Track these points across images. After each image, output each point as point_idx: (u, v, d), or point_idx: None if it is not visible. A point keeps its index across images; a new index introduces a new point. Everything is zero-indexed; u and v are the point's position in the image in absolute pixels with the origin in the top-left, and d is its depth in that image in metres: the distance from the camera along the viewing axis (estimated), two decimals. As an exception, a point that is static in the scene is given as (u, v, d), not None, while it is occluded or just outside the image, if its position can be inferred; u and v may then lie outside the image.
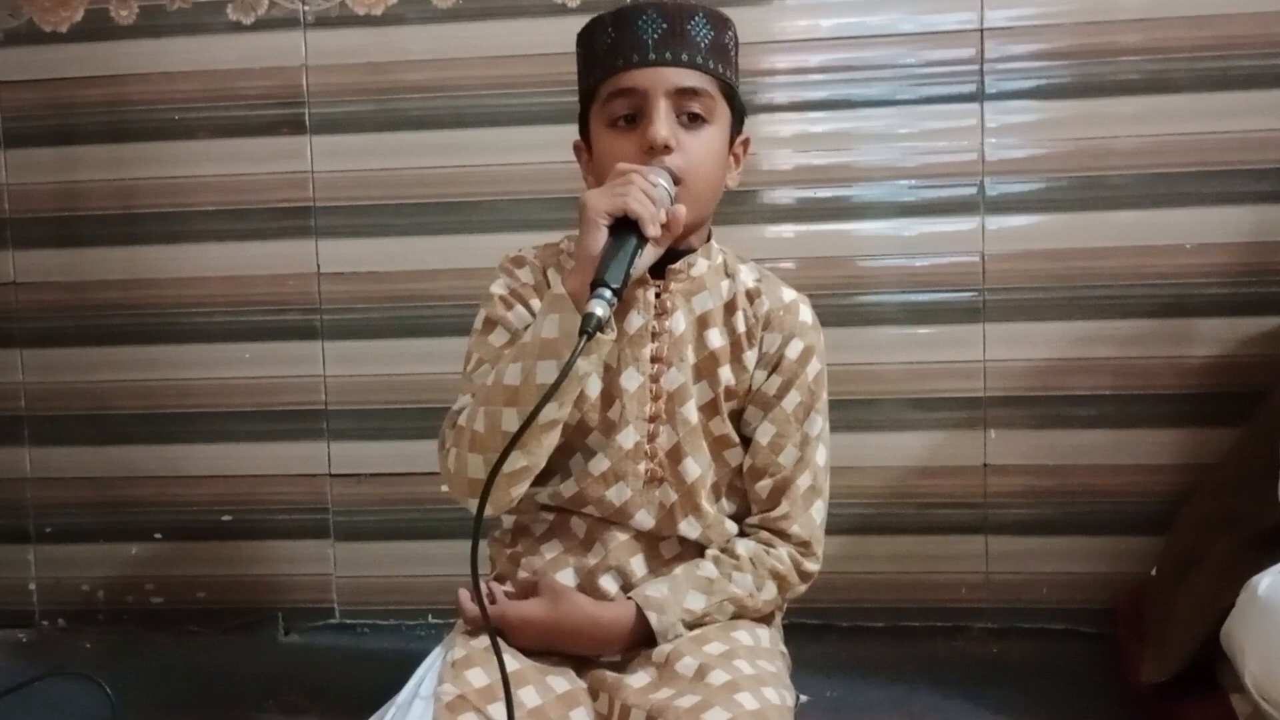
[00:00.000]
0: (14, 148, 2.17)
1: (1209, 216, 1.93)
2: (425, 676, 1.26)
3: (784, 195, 2.03)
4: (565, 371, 1.10)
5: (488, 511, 1.25)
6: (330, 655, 2.08)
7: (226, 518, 2.18)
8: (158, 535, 2.20)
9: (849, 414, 2.00)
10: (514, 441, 1.11)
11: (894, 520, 2.03)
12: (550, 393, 1.11)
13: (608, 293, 1.13)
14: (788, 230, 2.04)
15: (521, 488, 1.27)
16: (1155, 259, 1.95)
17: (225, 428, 2.16)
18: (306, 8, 2.08)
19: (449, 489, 1.27)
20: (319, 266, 2.12)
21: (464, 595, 1.31)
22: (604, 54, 1.29)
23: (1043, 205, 1.97)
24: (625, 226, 1.18)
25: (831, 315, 1.99)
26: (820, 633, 1.98)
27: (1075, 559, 2.00)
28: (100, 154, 2.15)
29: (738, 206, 2.01)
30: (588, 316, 1.11)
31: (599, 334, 1.16)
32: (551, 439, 1.25)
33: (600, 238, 1.18)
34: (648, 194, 1.18)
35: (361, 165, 2.09)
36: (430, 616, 2.13)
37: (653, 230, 1.18)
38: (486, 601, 1.31)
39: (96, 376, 2.19)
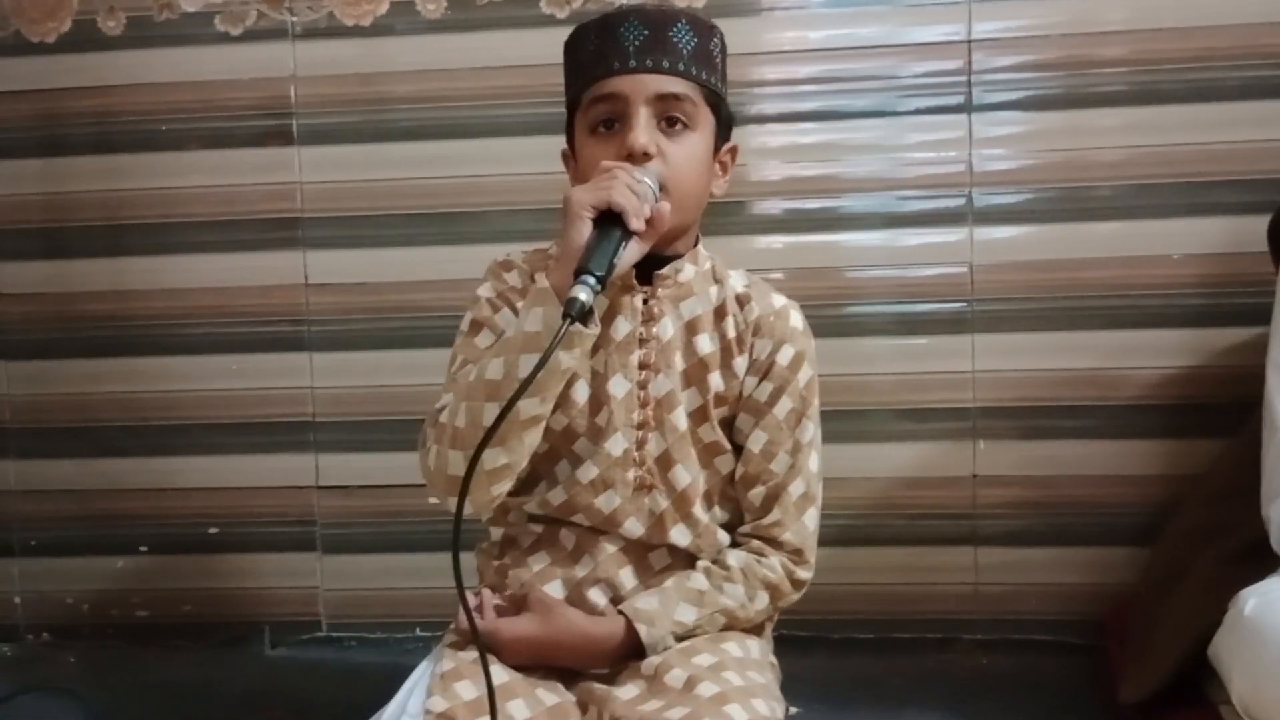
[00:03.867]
0: (0, 159, 2.16)
1: (1195, 227, 1.93)
2: (414, 689, 1.25)
3: (773, 206, 2.04)
4: (545, 357, 1.10)
5: (468, 511, 1.24)
6: (317, 669, 2.07)
7: (213, 530, 2.17)
8: (144, 549, 2.19)
9: (838, 425, 1.99)
10: (491, 432, 1.10)
11: (883, 531, 2.03)
12: (528, 381, 1.10)
13: (591, 279, 1.13)
14: (776, 241, 2.04)
15: (503, 486, 1.26)
16: (1142, 270, 1.95)
17: (212, 440, 2.15)
18: (294, 19, 2.08)
19: (429, 486, 1.27)
20: (307, 278, 2.11)
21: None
22: (587, 61, 1.30)
23: (1031, 216, 1.98)
24: (609, 220, 1.18)
25: (820, 326, 1.97)
26: (809, 645, 1.98)
27: (1065, 570, 2.00)
28: (87, 165, 2.14)
29: (727, 217, 2.01)
30: (570, 300, 1.11)
31: (583, 328, 1.16)
32: (533, 437, 1.24)
33: (585, 230, 1.18)
34: (631, 188, 1.19)
35: (349, 176, 2.09)
36: (418, 629, 2.12)
37: (636, 223, 1.18)
38: (478, 617, 1.31)
39: (82, 389, 2.18)
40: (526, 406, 1.19)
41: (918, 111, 1.99)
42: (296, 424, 2.14)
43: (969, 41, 1.97)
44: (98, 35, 2.12)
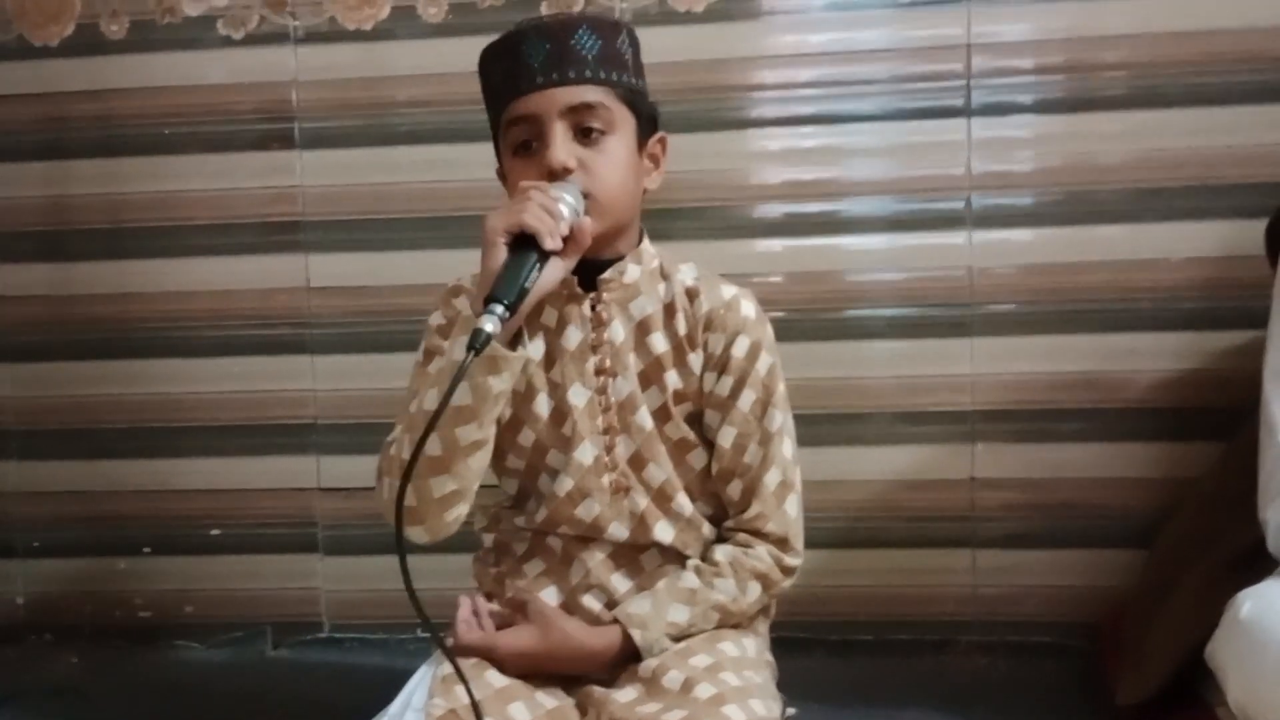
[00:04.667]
0: (2, 162, 2.18)
1: (1192, 231, 1.94)
2: (415, 691, 1.26)
3: (773, 210, 2.04)
4: (449, 394, 1.08)
5: (425, 539, 1.25)
6: (318, 670, 2.08)
7: (215, 532, 2.18)
8: (146, 549, 2.20)
9: (837, 428, 2.01)
10: (410, 468, 1.10)
11: (882, 534, 2.04)
12: (438, 414, 1.09)
13: (499, 308, 1.12)
14: (776, 245, 2.04)
15: (456, 512, 1.25)
16: (1140, 273, 1.96)
17: (214, 442, 2.16)
18: (296, 23, 2.09)
19: (385, 516, 1.26)
20: (308, 281, 2.12)
21: (460, 615, 1.31)
22: (497, 85, 1.30)
23: (1030, 220, 1.98)
24: (525, 243, 1.17)
25: (820, 329, 2.01)
26: (808, 647, 1.99)
27: (1062, 572, 2.01)
28: (89, 168, 2.15)
29: (726, 221, 2.02)
30: (476, 332, 1.10)
31: (508, 352, 1.16)
32: (479, 461, 1.24)
33: (499, 255, 1.17)
34: (546, 208, 1.18)
35: (350, 180, 2.09)
36: (419, 630, 2.12)
37: (550, 243, 1.17)
38: (478, 627, 1.31)
39: (84, 391, 2.19)
40: (465, 433, 1.19)
41: (917, 115, 2.00)
42: (298, 426, 2.15)
43: (968, 45, 1.97)
44: (100, 39, 2.13)
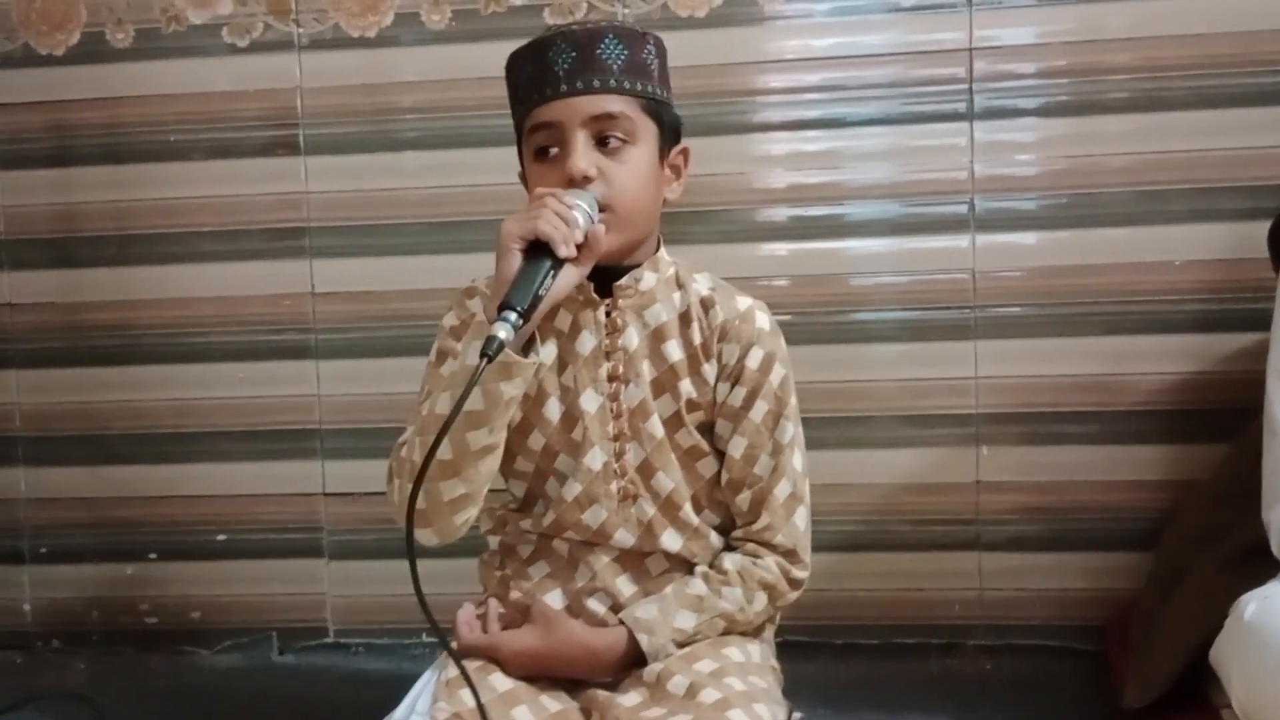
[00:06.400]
0: (10, 169, 2.18)
1: (1196, 233, 1.94)
2: (420, 695, 1.27)
3: (778, 214, 2.04)
4: (462, 400, 1.09)
5: (434, 541, 1.26)
6: (324, 675, 2.08)
7: (221, 537, 2.18)
8: (152, 555, 2.21)
9: (842, 431, 2.01)
10: (422, 473, 1.10)
11: (887, 537, 2.04)
12: (449, 421, 1.09)
13: (512, 315, 1.12)
14: (781, 248, 2.04)
15: (465, 515, 1.26)
16: (1144, 276, 1.96)
17: (219, 447, 2.17)
18: (300, 30, 2.09)
19: (395, 518, 1.27)
20: (313, 286, 2.13)
21: (461, 618, 1.32)
22: (522, 89, 1.30)
23: (1033, 222, 1.98)
24: (539, 249, 1.17)
25: (824, 333, 2.01)
26: (813, 650, 1.99)
27: (1068, 575, 2.01)
28: (96, 175, 2.16)
29: (731, 225, 2.02)
30: (489, 340, 1.10)
31: (520, 358, 1.16)
32: (489, 465, 1.24)
33: (513, 262, 1.17)
34: (561, 215, 1.18)
35: (355, 186, 2.10)
36: (424, 635, 2.13)
37: (564, 251, 1.17)
38: (479, 629, 1.31)
39: (91, 397, 2.19)
40: (476, 438, 1.20)
41: (920, 119, 2.00)
42: (303, 431, 2.15)
43: (970, 50, 1.97)
44: (106, 47, 2.14)
